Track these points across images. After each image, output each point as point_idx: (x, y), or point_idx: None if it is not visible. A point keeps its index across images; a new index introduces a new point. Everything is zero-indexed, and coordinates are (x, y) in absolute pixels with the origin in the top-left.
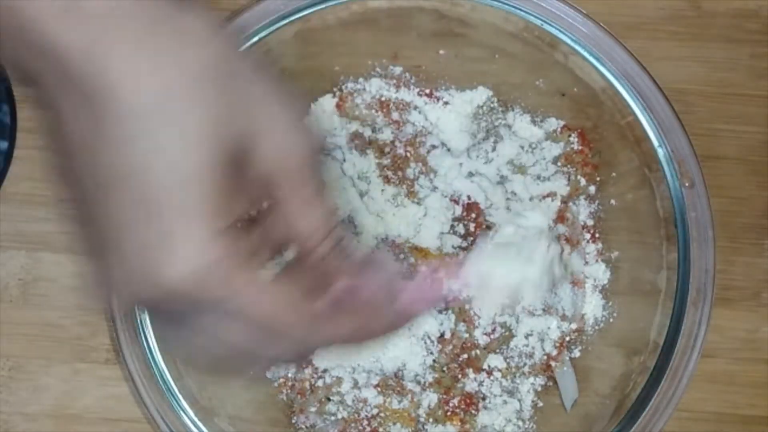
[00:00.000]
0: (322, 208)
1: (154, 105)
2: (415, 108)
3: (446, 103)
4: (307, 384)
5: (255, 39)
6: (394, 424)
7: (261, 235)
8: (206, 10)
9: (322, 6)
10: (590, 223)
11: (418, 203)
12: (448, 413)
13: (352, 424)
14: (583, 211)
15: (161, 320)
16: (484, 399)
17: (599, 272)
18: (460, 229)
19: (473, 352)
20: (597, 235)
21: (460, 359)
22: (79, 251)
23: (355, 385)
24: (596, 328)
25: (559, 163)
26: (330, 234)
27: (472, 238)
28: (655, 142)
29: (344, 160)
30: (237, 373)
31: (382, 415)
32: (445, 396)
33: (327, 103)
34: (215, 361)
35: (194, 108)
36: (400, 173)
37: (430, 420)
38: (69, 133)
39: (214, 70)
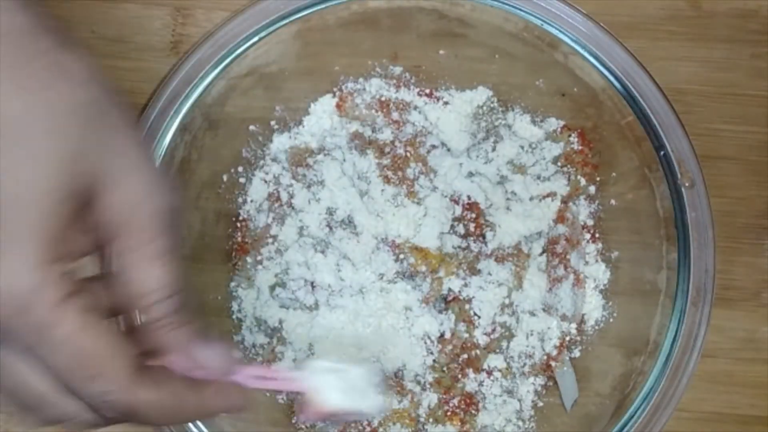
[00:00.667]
0: (161, 270)
1: (9, 126)
2: (415, 108)
3: (446, 103)
4: None
5: (255, 39)
6: (394, 424)
7: (100, 287)
8: (87, 52)
9: (322, 6)
10: (590, 223)
11: (418, 203)
12: (448, 413)
13: (352, 424)
14: (583, 211)
15: None
16: (484, 399)
17: (599, 272)
18: (460, 229)
19: (473, 352)
20: (597, 235)
21: (460, 359)
22: None
23: None
24: (596, 328)
25: (559, 163)
26: (165, 299)
27: (472, 238)
28: (655, 142)
29: (344, 160)
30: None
31: (382, 415)
32: (445, 396)
33: (327, 103)
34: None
35: (51, 138)
36: (400, 173)
37: (430, 420)
38: None
39: (82, 109)
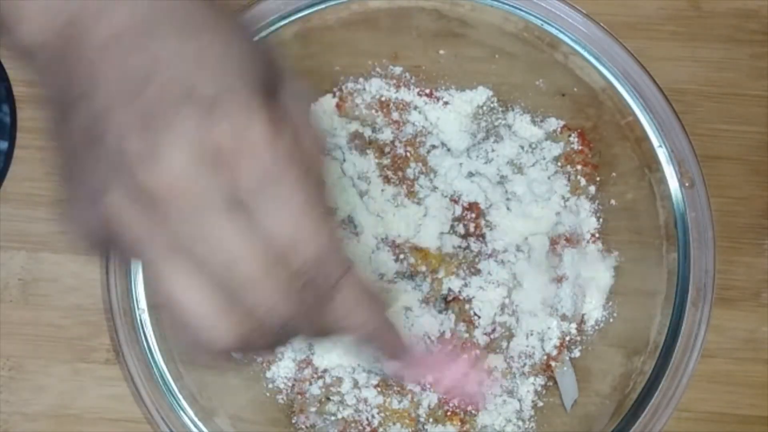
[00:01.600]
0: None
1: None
2: (415, 108)
3: (446, 103)
4: (307, 384)
5: (255, 39)
6: (394, 424)
7: None
8: None
9: (322, 6)
10: (590, 223)
11: (418, 203)
12: (448, 413)
13: (352, 424)
14: (583, 211)
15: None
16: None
17: (599, 272)
18: (460, 229)
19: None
20: (597, 235)
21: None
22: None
23: (355, 385)
24: (596, 328)
25: (559, 163)
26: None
27: (472, 238)
28: (655, 142)
29: (344, 160)
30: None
31: (382, 415)
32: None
33: (327, 103)
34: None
35: (142, 51)
36: (400, 173)
37: (430, 420)
38: (44, 90)
39: (167, 14)
